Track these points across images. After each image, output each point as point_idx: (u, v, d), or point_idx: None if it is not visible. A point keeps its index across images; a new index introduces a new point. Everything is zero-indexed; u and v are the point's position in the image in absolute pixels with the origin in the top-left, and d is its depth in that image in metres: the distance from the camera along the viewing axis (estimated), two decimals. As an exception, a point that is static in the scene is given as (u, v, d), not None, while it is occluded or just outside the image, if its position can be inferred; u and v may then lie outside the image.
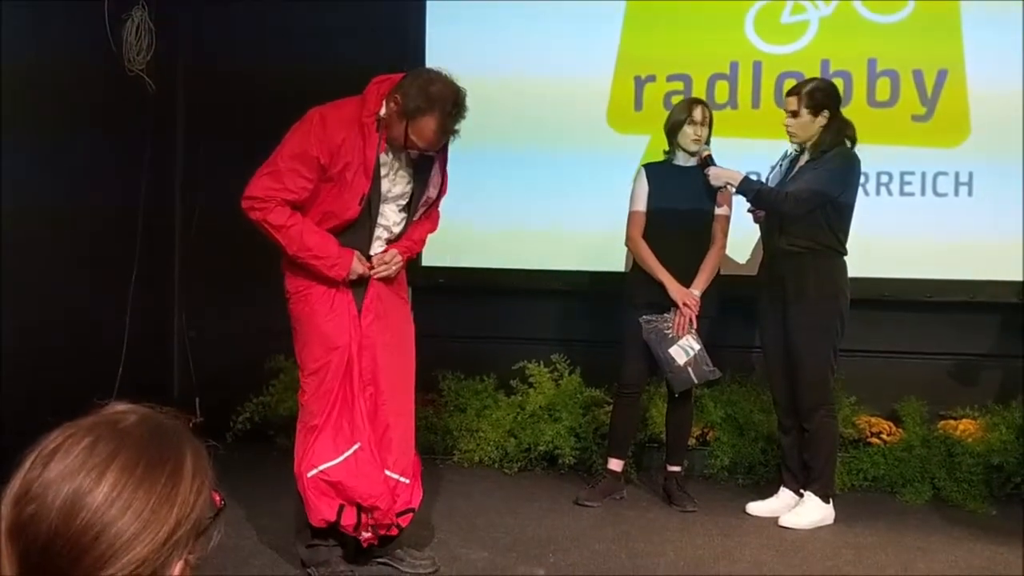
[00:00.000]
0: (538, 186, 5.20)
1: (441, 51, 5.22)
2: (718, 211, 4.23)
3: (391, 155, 3.14)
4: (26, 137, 4.32)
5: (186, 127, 5.58)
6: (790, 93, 4.07)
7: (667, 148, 4.31)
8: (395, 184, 3.18)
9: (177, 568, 0.99)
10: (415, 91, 2.96)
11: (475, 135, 5.34)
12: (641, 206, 4.27)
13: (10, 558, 0.94)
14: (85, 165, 4.72)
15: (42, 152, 4.43)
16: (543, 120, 5.19)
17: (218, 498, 1.06)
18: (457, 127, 3.02)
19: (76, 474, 0.95)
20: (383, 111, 3.04)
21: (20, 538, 0.94)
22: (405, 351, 3.31)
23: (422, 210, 3.26)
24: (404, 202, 3.22)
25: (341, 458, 3.08)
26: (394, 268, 3.21)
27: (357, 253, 3.13)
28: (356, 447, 3.08)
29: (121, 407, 1.05)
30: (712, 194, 4.19)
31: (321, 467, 3.08)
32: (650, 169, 4.32)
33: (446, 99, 2.96)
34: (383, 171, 3.12)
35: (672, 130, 4.25)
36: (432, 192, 3.23)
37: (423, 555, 3.37)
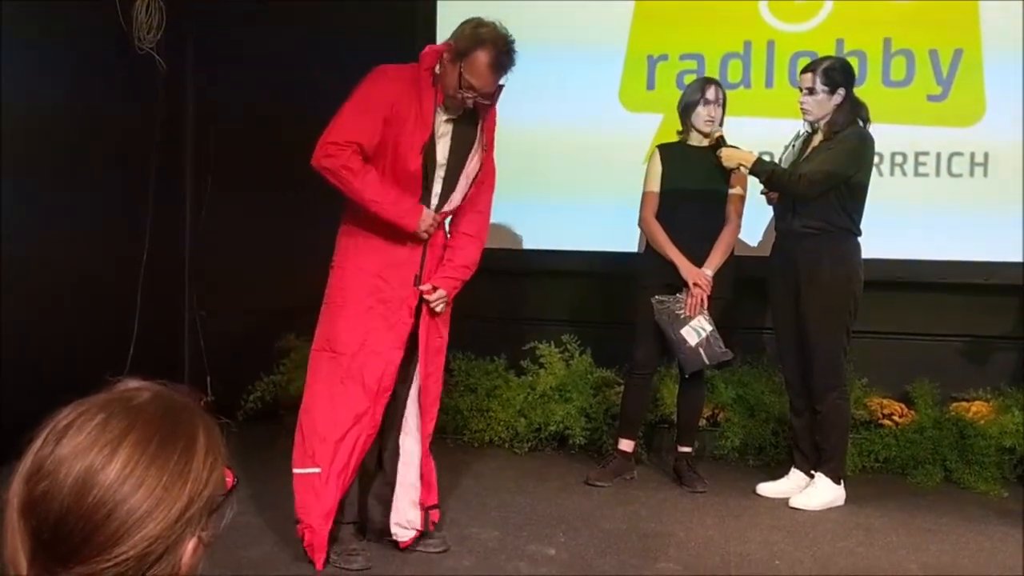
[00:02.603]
0: (549, 165, 5.18)
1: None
2: (732, 191, 4.20)
3: (441, 118, 3.16)
4: (28, 119, 4.31)
5: (196, 106, 5.56)
6: (805, 70, 4.03)
7: (680, 128, 4.28)
8: (439, 149, 3.19)
9: (190, 545, 0.99)
10: (467, 33, 3.06)
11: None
12: (655, 187, 4.25)
13: (22, 535, 0.94)
14: (94, 146, 4.71)
15: (46, 133, 4.43)
16: (555, 99, 5.16)
17: (231, 476, 1.05)
18: (510, 68, 3.08)
19: (89, 451, 0.94)
20: (438, 68, 3.11)
21: (32, 515, 0.94)
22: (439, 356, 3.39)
23: (462, 192, 3.25)
24: (443, 174, 3.23)
25: (302, 471, 3.14)
26: (442, 306, 3.26)
27: (424, 212, 3.15)
28: (316, 471, 3.11)
29: (134, 384, 1.04)
30: (726, 175, 4.17)
31: (295, 470, 3.16)
32: (664, 150, 4.30)
33: (497, 37, 3.05)
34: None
35: (685, 110, 4.22)
36: (472, 167, 3.24)
37: (435, 534, 3.38)
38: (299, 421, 3.20)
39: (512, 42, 3.07)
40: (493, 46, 3.02)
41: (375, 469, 3.40)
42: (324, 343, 3.20)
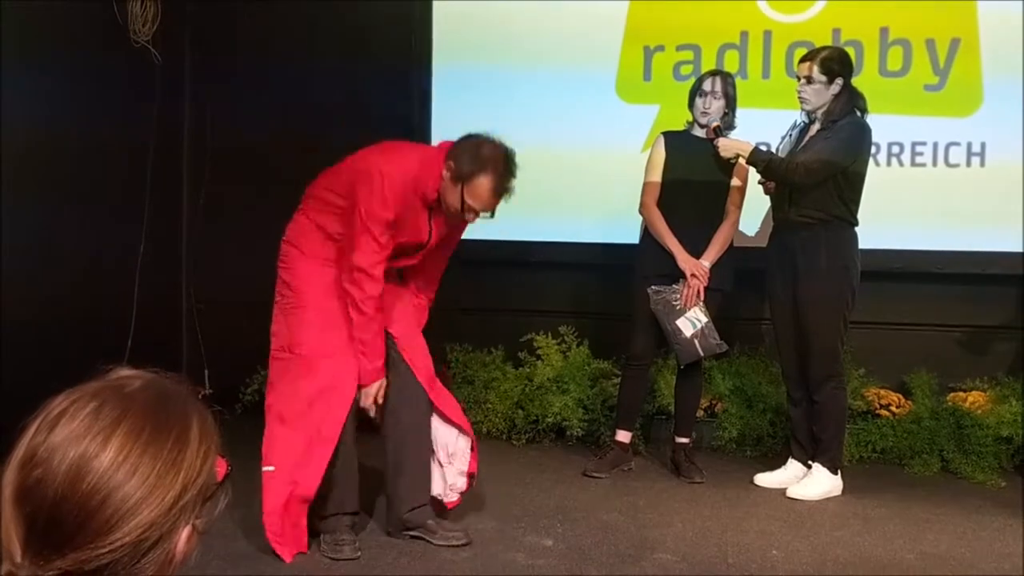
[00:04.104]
0: (546, 156, 5.16)
1: (449, 27, 5.23)
2: (732, 183, 4.19)
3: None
4: (30, 109, 4.30)
5: (193, 99, 5.55)
6: (804, 59, 4.02)
7: (689, 119, 4.27)
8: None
9: (184, 533, 0.99)
10: (467, 155, 3.03)
11: (482, 107, 5.31)
12: (657, 177, 4.23)
13: (16, 522, 0.94)
14: (91, 139, 4.70)
15: (47, 126, 4.42)
16: (551, 90, 5.15)
17: (224, 464, 1.05)
18: (511, 186, 3.09)
19: (82, 438, 0.94)
20: (441, 179, 3.11)
21: (26, 502, 0.94)
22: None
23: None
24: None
25: (265, 468, 3.16)
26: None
27: (381, 382, 3.23)
28: (271, 469, 3.14)
29: (126, 372, 1.04)
30: (728, 166, 4.16)
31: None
32: (668, 137, 4.29)
33: (498, 159, 3.04)
34: None
35: (689, 101, 4.22)
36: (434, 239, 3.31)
37: (455, 527, 3.40)
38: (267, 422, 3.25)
39: (513, 156, 3.07)
40: (494, 170, 3.03)
41: (385, 465, 3.43)
42: (283, 346, 3.25)
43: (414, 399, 3.35)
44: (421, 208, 3.16)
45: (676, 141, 4.26)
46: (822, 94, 3.97)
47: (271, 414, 3.21)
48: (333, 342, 3.18)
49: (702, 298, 4.11)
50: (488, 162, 3.02)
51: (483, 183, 3.04)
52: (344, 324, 3.19)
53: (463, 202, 3.06)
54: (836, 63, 3.97)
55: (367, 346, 3.17)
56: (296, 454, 3.12)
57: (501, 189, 3.06)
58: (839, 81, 3.95)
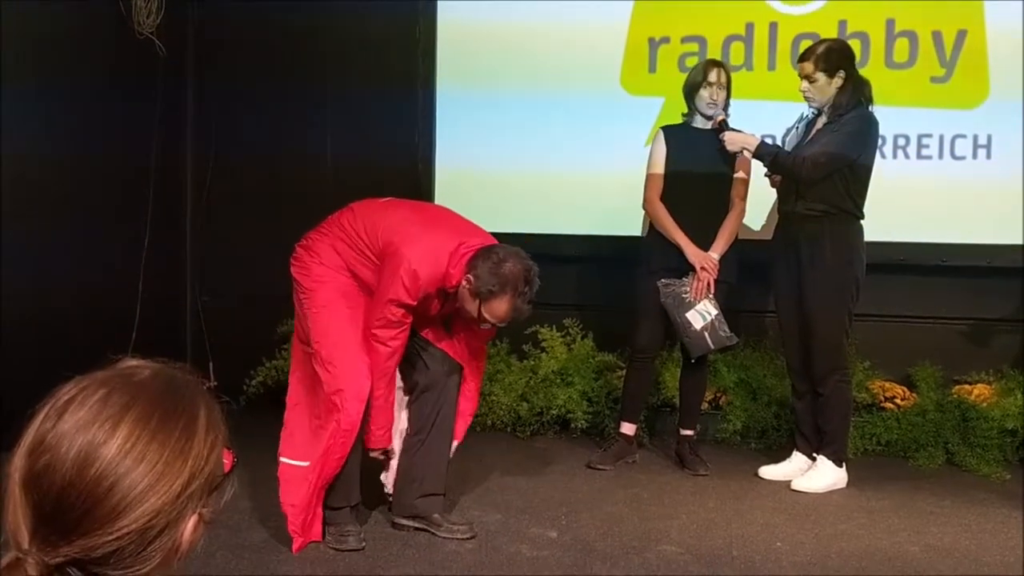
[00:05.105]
0: (551, 149, 5.16)
1: (452, 27, 5.24)
2: (736, 176, 4.19)
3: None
4: (32, 104, 4.30)
5: (196, 89, 5.55)
6: (803, 58, 3.99)
7: (685, 111, 4.26)
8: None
9: (191, 522, 0.99)
10: (487, 273, 3.04)
11: (488, 102, 5.31)
12: (659, 169, 4.22)
13: (24, 508, 0.94)
14: (94, 132, 4.70)
15: (50, 120, 4.42)
16: (556, 82, 5.14)
17: (231, 455, 1.06)
18: (527, 308, 3.13)
19: (90, 425, 0.95)
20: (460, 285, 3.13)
21: (34, 489, 0.94)
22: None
23: None
24: None
25: (294, 462, 3.21)
26: None
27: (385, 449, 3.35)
28: (306, 464, 3.17)
29: (135, 362, 1.05)
30: (730, 158, 4.15)
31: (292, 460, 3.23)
32: (668, 131, 4.28)
33: (517, 278, 3.05)
34: None
35: (689, 92, 4.20)
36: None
37: (461, 520, 3.40)
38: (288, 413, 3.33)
39: (534, 273, 3.10)
40: (513, 291, 3.04)
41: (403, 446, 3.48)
42: (303, 339, 3.33)
43: (444, 385, 3.38)
44: (436, 293, 3.19)
45: (676, 134, 4.25)
46: (825, 90, 3.94)
47: (298, 410, 3.29)
48: (347, 341, 3.18)
49: (712, 291, 4.10)
50: (507, 283, 3.04)
51: (501, 304, 3.07)
52: (356, 324, 3.21)
53: (480, 314, 3.11)
54: (835, 55, 3.94)
55: (376, 410, 3.20)
56: (322, 446, 3.14)
57: (519, 310, 3.11)
58: (841, 73, 3.93)
